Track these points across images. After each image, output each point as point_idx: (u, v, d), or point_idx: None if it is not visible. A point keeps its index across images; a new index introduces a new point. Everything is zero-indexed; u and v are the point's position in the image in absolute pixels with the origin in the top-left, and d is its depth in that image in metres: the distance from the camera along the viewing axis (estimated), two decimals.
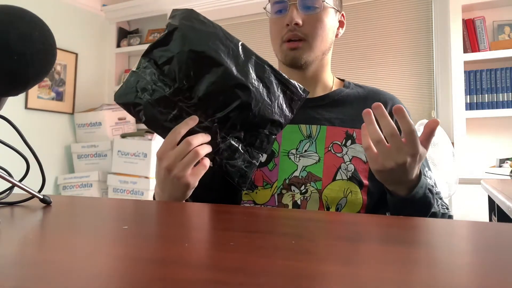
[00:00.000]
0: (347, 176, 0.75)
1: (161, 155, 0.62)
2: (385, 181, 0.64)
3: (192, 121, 0.61)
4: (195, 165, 0.62)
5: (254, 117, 0.62)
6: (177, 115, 0.61)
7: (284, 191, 0.75)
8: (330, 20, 0.81)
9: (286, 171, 0.76)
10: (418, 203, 0.65)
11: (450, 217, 0.75)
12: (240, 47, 0.61)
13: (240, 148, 0.63)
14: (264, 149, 0.65)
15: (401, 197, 0.65)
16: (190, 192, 0.65)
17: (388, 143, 0.59)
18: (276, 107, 0.63)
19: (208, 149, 0.62)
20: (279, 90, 0.63)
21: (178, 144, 0.60)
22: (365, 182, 0.76)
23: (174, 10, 0.63)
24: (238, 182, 0.64)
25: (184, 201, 0.68)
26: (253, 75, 0.61)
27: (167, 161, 0.61)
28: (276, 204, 0.75)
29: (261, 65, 0.62)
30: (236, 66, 0.60)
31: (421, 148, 0.59)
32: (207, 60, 0.59)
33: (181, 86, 0.60)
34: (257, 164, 0.65)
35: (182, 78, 0.59)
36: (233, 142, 0.62)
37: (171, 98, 0.60)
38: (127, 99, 0.62)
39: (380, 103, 0.58)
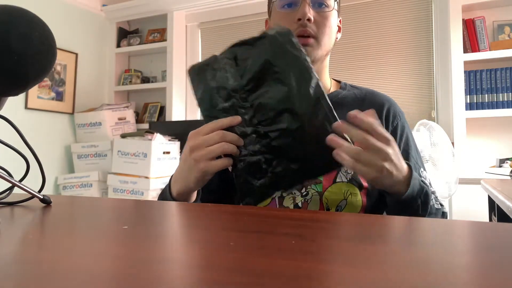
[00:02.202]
0: (347, 178, 0.75)
1: (193, 135, 0.64)
2: (385, 186, 0.63)
3: (236, 120, 0.62)
4: (217, 159, 0.62)
5: (292, 150, 0.60)
6: (227, 108, 0.62)
7: (285, 194, 0.75)
8: (335, 22, 0.82)
9: None
10: (418, 194, 0.65)
11: (444, 214, 0.74)
12: (314, 83, 0.59)
13: (266, 170, 0.61)
14: (286, 188, 0.63)
15: (403, 194, 0.63)
16: (201, 183, 0.65)
17: (364, 149, 0.58)
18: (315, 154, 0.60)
19: (235, 150, 0.61)
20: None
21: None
22: (365, 184, 0.75)
23: (276, 25, 0.66)
24: (241, 197, 0.63)
25: (194, 194, 0.69)
26: (310, 113, 0.59)
27: (194, 141, 0.63)
28: (277, 206, 0.75)
29: (326, 114, 0.59)
30: (300, 96, 0.59)
31: (389, 135, 0.59)
32: (277, 76, 0.60)
33: (244, 86, 0.62)
34: (270, 197, 0.63)
35: (248, 80, 0.62)
36: (262, 161, 0.61)
37: (230, 91, 0.62)
38: (197, 76, 0.65)
39: (340, 124, 0.58)
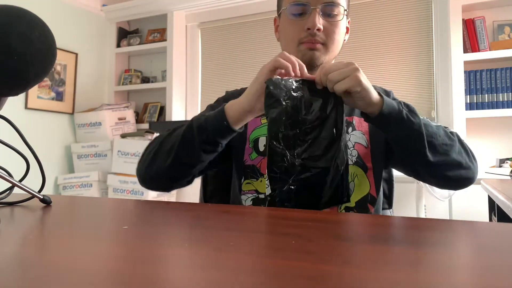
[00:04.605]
0: (352, 161, 0.78)
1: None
2: (366, 102, 0.67)
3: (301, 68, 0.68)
4: None
5: (319, 186, 0.66)
6: (289, 136, 0.65)
7: None
8: (343, 28, 0.83)
9: None
10: (398, 106, 0.69)
11: (457, 135, 0.76)
12: (344, 138, 0.68)
13: (293, 198, 0.65)
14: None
15: (381, 108, 0.67)
16: (256, 95, 0.68)
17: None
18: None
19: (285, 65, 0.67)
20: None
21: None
22: (369, 165, 0.79)
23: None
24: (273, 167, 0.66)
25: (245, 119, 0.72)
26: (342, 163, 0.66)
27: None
28: None
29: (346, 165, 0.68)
30: (338, 141, 0.66)
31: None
32: (335, 122, 0.66)
33: (312, 121, 0.65)
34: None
35: (317, 117, 0.66)
36: (293, 192, 0.65)
37: (299, 121, 0.65)
38: (276, 93, 0.66)
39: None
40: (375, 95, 0.67)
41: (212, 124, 0.70)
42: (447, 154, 0.71)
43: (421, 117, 0.71)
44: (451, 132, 0.75)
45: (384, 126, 0.70)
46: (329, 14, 0.79)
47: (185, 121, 3.17)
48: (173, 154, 0.72)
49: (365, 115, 0.70)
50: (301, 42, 0.80)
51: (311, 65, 0.81)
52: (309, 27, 0.77)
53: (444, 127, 0.76)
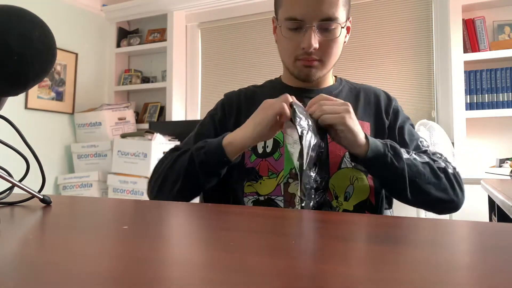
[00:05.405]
0: (351, 164, 0.77)
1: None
2: (348, 142, 0.68)
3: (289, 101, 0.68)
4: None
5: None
6: (313, 157, 0.66)
7: (290, 180, 0.76)
8: (342, 35, 0.81)
9: (292, 160, 0.77)
10: (384, 148, 0.70)
11: (444, 170, 0.75)
12: None
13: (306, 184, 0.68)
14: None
15: (367, 152, 0.68)
16: (262, 130, 0.70)
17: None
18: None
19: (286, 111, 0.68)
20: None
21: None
22: None
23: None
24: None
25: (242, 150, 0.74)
26: None
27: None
28: (282, 193, 0.76)
29: None
30: None
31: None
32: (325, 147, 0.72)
33: (321, 148, 0.69)
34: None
35: (321, 142, 0.69)
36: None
37: (316, 144, 0.68)
38: (301, 114, 0.67)
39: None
40: (360, 138, 0.68)
41: (213, 161, 0.73)
42: (428, 193, 0.72)
43: (408, 156, 0.72)
44: (439, 168, 0.75)
45: (368, 167, 0.73)
46: (326, 29, 0.77)
47: (185, 121, 3.15)
48: (178, 185, 0.75)
49: (351, 155, 0.72)
50: (297, 59, 0.79)
51: (308, 81, 0.82)
52: (304, 47, 0.76)
53: (434, 160, 0.76)
